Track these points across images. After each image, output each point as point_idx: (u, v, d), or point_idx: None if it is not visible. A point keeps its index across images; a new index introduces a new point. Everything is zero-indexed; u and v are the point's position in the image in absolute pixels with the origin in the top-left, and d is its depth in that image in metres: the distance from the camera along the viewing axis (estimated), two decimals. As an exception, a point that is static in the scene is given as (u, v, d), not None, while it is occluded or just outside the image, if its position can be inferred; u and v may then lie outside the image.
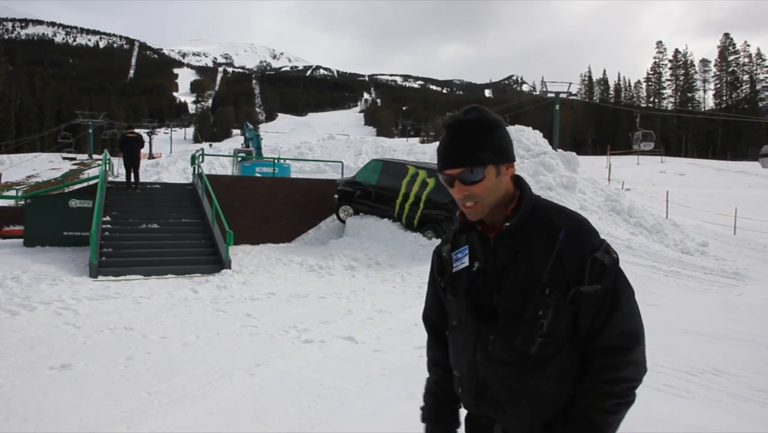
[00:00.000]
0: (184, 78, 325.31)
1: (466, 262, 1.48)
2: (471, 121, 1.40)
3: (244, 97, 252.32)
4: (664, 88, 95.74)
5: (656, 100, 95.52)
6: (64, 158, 55.27)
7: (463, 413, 1.61)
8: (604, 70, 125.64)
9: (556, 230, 1.38)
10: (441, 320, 1.64)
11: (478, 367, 1.42)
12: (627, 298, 1.37)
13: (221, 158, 25.47)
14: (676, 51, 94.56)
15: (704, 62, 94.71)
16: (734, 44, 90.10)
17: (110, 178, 16.04)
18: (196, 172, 15.34)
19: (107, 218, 12.17)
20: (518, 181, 1.47)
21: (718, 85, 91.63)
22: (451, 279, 1.52)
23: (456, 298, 1.49)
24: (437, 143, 1.56)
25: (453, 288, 1.50)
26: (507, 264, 1.39)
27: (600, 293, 1.33)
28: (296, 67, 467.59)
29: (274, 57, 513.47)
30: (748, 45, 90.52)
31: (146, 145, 17.44)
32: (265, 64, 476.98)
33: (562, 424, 1.37)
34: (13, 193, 24.05)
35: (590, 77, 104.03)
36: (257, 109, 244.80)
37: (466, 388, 1.48)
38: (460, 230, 1.52)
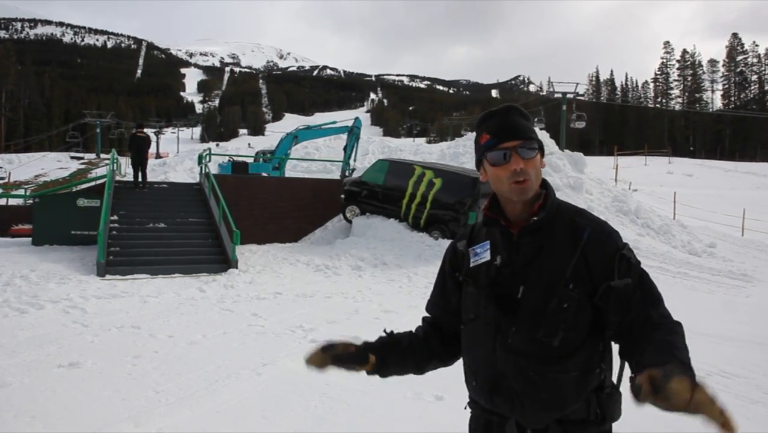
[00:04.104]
0: (191, 78, 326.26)
1: (486, 256, 1.52)
2: (519, 109, 1.50)
3: (251, 96, 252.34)
4: (672, 88, 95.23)
5: (663, 101, 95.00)
6: (72, 157, 55.60)
7: (464, 414, 1.60)
8: (612, 71, 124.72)
9: (581, 229, 1.45)
10: (442, 313, 1.68)
11: (496, 359, 1.44)
12: (655, 287, 1.44)
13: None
14: (684, 51, 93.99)
15: (712, 62, 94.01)
16: (743, 44, 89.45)
17: (118, 178, 16.12)
18: (203, 171, 15.40)
19: (115, 217, 12.23)
20: (543, 182, 1.53)
21: (726, 86, 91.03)
22: (469, 273, 1.55)
23: (477, 290, 1.51)
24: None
25: (474, 281, 1.53)
26: (530, 259, 1.44)
27: (630, 286, 1.39)
28: (303, 67, 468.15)
29: (281, 57, 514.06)
30: (756, 45, 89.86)
31: (153, 144, 17.47)
32: (271, 64, 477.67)
33: (576, 420, 1.41)
34: (21, 192, 24.23)
35: (597, 78, 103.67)
36: (264, 109, 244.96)
37: (480, 381, 1.49)
38: (484, 222, 1.55)
